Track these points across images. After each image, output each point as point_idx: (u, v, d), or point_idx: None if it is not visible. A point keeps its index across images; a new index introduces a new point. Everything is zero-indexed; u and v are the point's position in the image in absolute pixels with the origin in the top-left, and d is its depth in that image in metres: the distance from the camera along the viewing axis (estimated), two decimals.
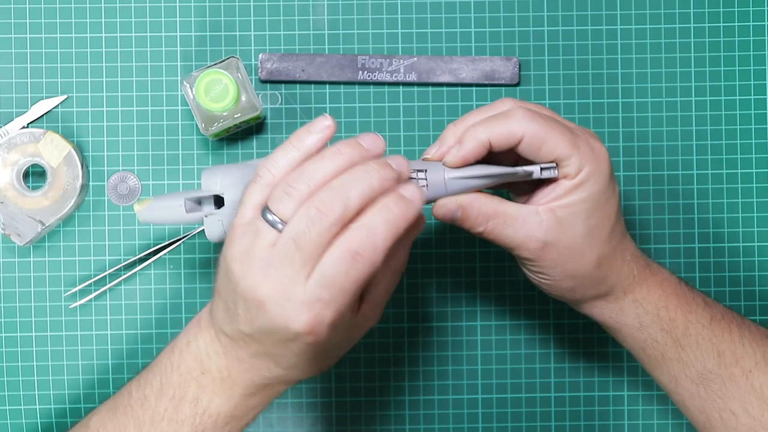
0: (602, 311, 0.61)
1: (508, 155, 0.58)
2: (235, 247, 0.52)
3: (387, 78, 0.72)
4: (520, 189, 0.61)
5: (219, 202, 0.57)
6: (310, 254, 0.49)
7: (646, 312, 0.60)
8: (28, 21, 0.72)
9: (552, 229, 0.56)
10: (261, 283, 0.50)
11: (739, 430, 0.59)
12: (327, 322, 0.50)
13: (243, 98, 0.69)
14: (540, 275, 0.59)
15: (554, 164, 0.56)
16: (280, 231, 0.50)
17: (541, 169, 0.56)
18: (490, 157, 0.57)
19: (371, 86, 0.73)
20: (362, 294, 0.55)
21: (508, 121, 0.55)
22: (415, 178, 0.56)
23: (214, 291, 0.55)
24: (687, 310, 0.60)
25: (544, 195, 0.57)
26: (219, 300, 0.54)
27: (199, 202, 0.58)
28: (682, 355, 0.60)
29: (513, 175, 0.56)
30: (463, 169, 0.56)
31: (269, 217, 0.51)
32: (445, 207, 0.56)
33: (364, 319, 0.56)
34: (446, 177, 0.56)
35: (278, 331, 0.51)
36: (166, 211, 0.58)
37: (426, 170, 0.56)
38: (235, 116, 0.69)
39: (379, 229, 0.50)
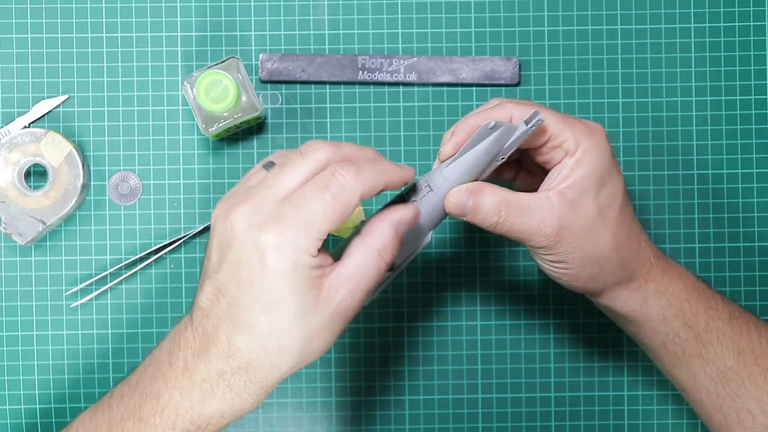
0: (626, 302, 0.60)
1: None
2: (226, 193, 0.54)
3: (387, 78, 0.72)
4: (523, 186, 0.61)
5: None
6: (291, 179, 0.51)
7: (669, 304, 0.60)
8: (29, 21, 0.72)
9: (564, 211, 0.56)
10: (236, 212, 0.51)
11: (755, 430, 0.59)
12: (292, 238, 0.49)
13: (243, 98, 0.69)
14: (559, 265, 0.58)
15: (536, 111, 0.55)
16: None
17: (525, 122, 0.55)
18: None
19: (371, 86, 0.73)
20: (335, 263, 0.53)
21: (497, 108, 0.57)
22: (422, 189, 0.56)
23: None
24: (707, 306, 0.60)
25: (550, 180, 0.57)
26: (201, 276, 0.54)
27: None
28: (702, 351, 0.60)
29: (503, 138, 0.55)
30: (455, 155, 0.56)
31: (269, 167, 0.53)
32: (456, 195, 0.56)
33: (331, 292, 0.51)
34: (442, 169, 0.56)
35: (243, 255, 0.50)
36: None
37: (427, 181, 0.56)
38: (236, 116, 0.69)
39: (366, 167, 0.52)
